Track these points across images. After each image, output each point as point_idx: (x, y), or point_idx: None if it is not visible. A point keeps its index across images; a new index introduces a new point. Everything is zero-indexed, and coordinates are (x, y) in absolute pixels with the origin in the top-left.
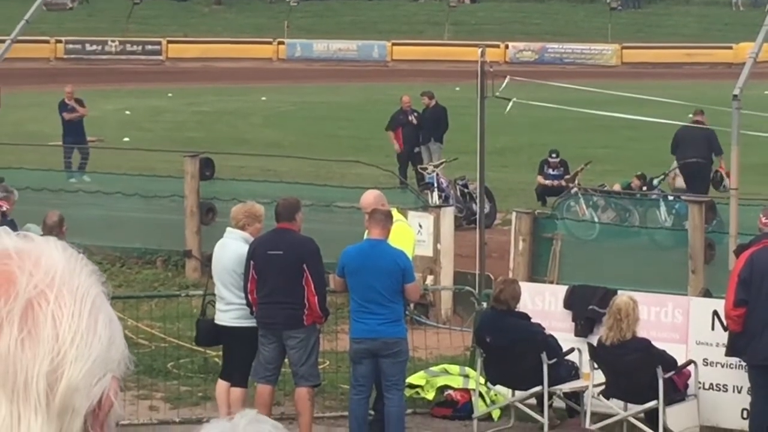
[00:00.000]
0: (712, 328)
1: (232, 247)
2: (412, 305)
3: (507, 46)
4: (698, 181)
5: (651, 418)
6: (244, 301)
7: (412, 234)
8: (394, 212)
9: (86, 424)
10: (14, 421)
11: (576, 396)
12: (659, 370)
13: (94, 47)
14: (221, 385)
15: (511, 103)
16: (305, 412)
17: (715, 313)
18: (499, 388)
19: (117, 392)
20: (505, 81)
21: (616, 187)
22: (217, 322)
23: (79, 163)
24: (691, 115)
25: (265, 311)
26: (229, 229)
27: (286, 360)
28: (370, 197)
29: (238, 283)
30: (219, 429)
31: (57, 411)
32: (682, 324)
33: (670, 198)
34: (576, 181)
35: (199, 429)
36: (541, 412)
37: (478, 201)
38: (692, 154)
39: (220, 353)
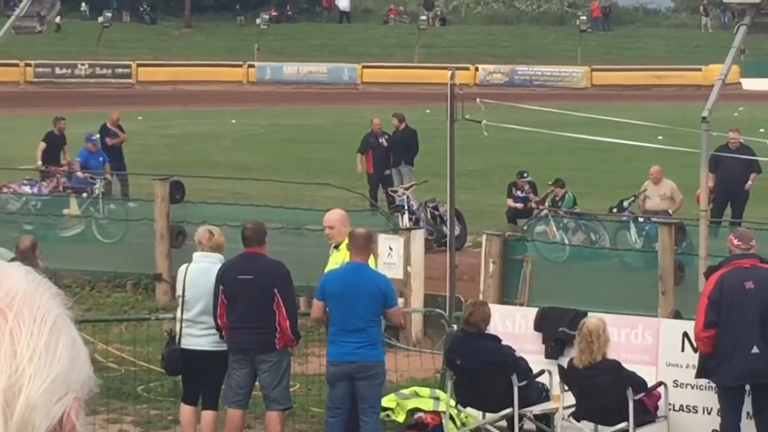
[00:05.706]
0: (682, 350)
1: (216, 272)
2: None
3: (477, 69)
4: (736, 206)
5: None
6: None
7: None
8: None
9: None
10: None
11: (546, 418)
12: (629, 392)
13: (64, 71)
14: (186, 409)
15: (484, 125)
16: None
17: (685, 334)
18: (469, 410)
19: (78, 413)
20: (480, 105)
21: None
22: (190, 347)
23: (121, 189)
24: (730, 134)
25: (237, 336)
26: (203, 253)
27: (256, 383)
28: (335, 215)
29: None
30: None
31: (15, 428)
32: (652, 345)
33: (641, 220)
34: (546, 203)
35: None
36: None
37: (448, 223)
38: (729, 177)
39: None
